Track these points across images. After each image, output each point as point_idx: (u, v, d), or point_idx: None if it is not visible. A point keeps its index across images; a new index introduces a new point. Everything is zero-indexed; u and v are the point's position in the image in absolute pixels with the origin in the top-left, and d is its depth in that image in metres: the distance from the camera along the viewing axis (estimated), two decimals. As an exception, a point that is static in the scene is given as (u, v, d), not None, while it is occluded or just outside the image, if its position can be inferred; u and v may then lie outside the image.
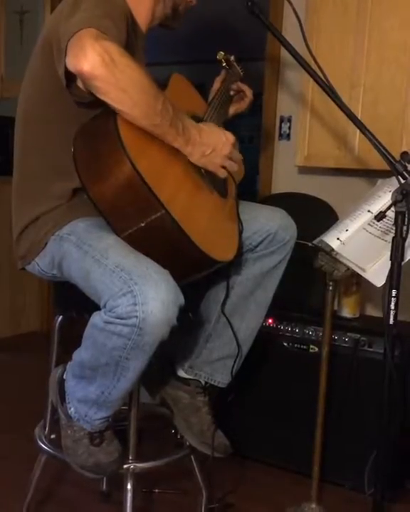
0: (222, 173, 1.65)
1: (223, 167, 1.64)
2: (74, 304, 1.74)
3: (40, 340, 3.44)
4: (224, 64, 2.03)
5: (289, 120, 2.87)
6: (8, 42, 3.80)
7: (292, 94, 2.83)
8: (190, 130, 1.55)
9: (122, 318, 1.41)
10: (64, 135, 1.56)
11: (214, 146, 1.60)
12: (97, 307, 1.48)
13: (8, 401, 2.87)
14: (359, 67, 2.34)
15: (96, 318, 1.47)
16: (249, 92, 2.02)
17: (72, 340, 1.67)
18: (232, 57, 2.06)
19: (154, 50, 2.29)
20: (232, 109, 2.03)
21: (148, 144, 1.49)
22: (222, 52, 2.04)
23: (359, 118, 1.64)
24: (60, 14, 1.52)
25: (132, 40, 1.60)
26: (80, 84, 1.48)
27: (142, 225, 1.44)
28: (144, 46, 1.75)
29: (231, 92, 2.00)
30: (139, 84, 1.44)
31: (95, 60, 1.37)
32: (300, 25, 1.71)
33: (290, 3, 1.73)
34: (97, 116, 1.50)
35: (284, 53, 2.77)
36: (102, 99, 1.43)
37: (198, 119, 1.69)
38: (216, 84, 2.00)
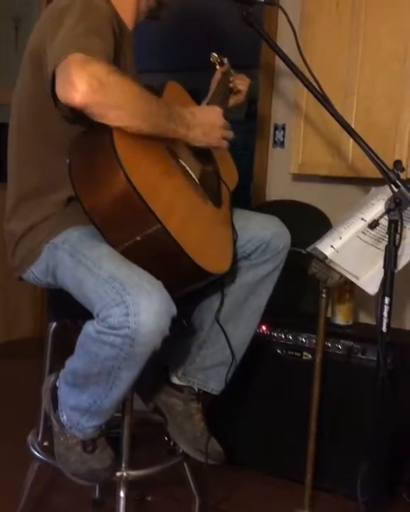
0: (225, 145, 1.70)
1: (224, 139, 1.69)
2: (68, 310, 1.73)
3: (34, 347, 3.42)
4: (217, 66, 2.05)
5: (283, 128, 2.88)
6: (2, 49, 3.80)
7: (286, 102, 2.84)
8: (185, 116, 1.59)
9: (114, 329, 1.41)
10: (58, 146, 1.57)
11: (211, 121, 1.65)
12: (91, 314, 1.48)
13: (1, 407, 2.86)
14: (353, 76, 2.35)
15: (89, 328, 1.47)
16: (244, 84, 2.05)
17: (66, 347, 1.67)
18: (225, 60, 2.08)
19: (149, 57, 2.30)
20: (232, 101, 2.07)
21: (143, 156, 1.49)
22: (215, 54, 2.06)
23: (352, 127, 1.65)
24: (45, 28, 1.53)
25: (119, 42, 1.59)
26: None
27: (138, 238, 1.43)
28: (132, 44, 1.74)
29: (229, 88, 2.04)
30: (131, 94, 1.44)
31: (83, 89, 1.36)
32: (295, 34, 1.72)
33: (285, 13, 1.74)
34: (93, 128, 1.49)
35: (278, 62, 2.78)
36: (103, 122, 1.43)
37: None
38: (212, 85, 2.02)
